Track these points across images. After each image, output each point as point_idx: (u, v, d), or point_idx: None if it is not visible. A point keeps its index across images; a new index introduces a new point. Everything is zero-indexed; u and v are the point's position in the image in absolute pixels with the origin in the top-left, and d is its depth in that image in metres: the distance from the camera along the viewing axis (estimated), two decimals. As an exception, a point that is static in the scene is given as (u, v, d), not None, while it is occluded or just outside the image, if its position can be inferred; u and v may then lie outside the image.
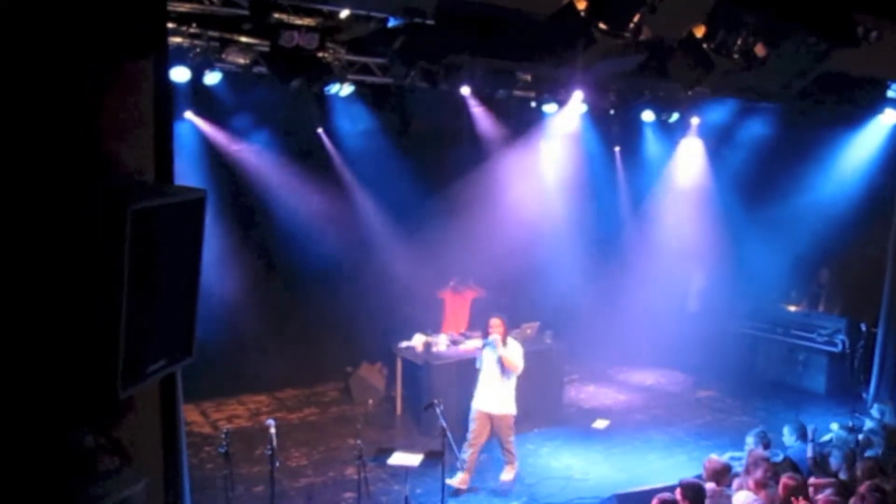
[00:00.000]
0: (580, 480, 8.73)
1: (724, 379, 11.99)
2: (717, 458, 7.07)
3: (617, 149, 13.04)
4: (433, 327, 10.63)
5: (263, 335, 10.68)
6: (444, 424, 7.19)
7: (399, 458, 7.33)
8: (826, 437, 8.50)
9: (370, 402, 10.82)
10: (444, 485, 7.28)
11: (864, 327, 11.51)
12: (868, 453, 7.65)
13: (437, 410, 7.39)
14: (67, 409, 2.97)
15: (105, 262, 2.85)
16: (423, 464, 7.28)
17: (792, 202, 11.81)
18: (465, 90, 9.38)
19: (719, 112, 11.73)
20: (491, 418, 8.36)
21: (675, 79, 5.52)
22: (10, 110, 2.95)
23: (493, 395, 8.38)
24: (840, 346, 11.55)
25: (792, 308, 12.46)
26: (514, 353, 8.41)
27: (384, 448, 7.78)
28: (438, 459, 7.21)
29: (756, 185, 12.22)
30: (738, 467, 7.69)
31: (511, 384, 8.43)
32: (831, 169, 11.75)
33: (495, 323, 8.39)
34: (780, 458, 7.68)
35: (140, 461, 3.89)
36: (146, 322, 3.15)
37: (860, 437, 8.29)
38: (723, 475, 6.73)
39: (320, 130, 10.33)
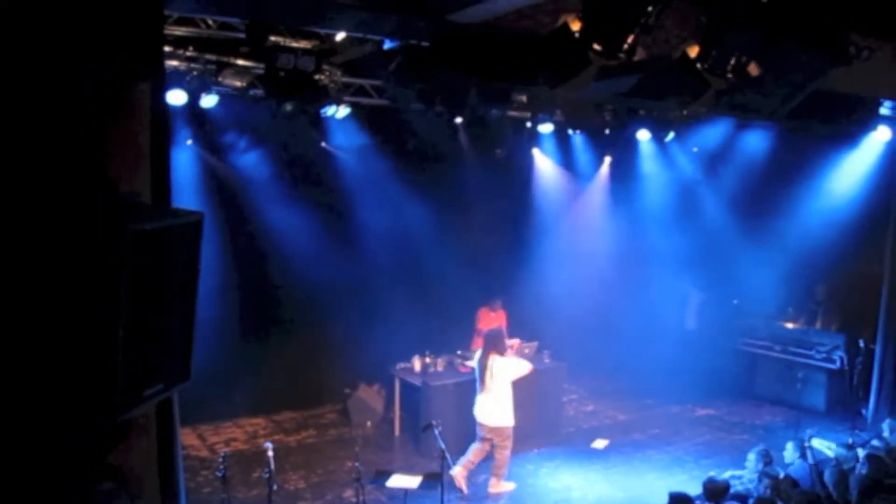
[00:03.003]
0: (579, 501, 8.69)
1: (722, 397, 11.97)
2: (717, 477, 7.04)
3: (608, 159, 13.08)
4: (432, 348, 10.60)
5: (260, 357, 10.64)
6: (443, 446, 7.17)
7: (397, 481, 7.29)
8: (830, 454, 8.46)
9: (368, 423, 10.80)
10: (443, 506, 7.25)
11: (862, 343, 11.50)
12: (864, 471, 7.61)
13: (436, 431, 7.38)
14: (64, 431, 2.96)
15: (103, 285, 2.85)
16: (422, 485, 7.24)
17: (788, 218, 11.86)
18: (459, 120, 9.51)
19: (715, 130, 11.79)
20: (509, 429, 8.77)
21: (669, 98, 5.57)
22: (9, 133, 2.96)
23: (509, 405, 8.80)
24: (839, 363, 11.53)
25: (789, 325, 12.46)
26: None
27: (382, 470, 7.75)
28: (437, 481, 7.17)
29: (752, 201, 12.28)
30: (738, 486, 7.65)
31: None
32: (826, 185, 11.79)
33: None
34: (781, 475, 7.65)
35: (137, 485, 3.86)
36: (144, 345, 3.14)
37: (861, 454, 8.24)
38: (721, 495, 6.71)
39: (323, 144, 10.29)
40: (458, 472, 8.60)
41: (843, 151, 11.49)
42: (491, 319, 11.21)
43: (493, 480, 8.82)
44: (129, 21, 3.52)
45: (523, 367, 8.84)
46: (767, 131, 11.70)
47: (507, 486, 8.88)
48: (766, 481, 6.87)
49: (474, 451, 8.82)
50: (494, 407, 8.68)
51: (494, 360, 8.67)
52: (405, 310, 10.92)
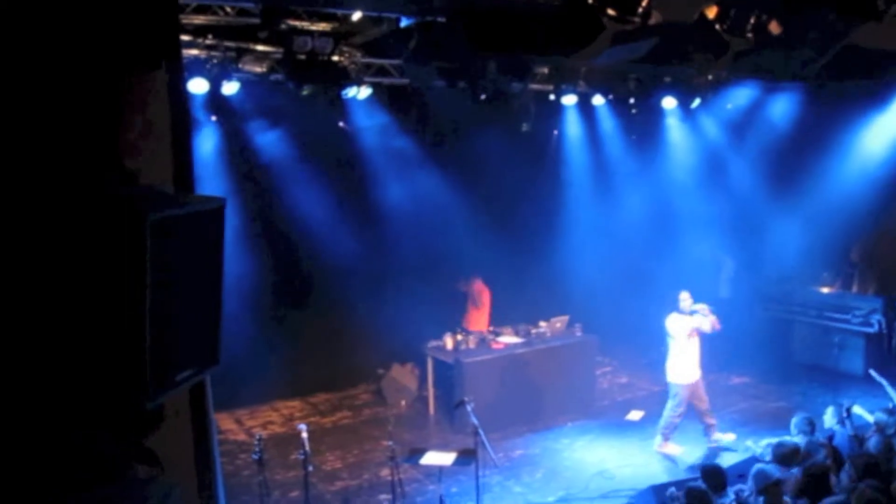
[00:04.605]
0: (616, 473, 8.67)
1: (758, 364, 11.84)
2: (786, 440, 6.95)
3: (634, 137, 12.95)
4: (463, 326, 10.64)
5: (293, 341, 10.74)
6: (476, 422, 7.18)
7: (432, 458, 7.33)
8: (869, 419, 8.33)
9: (402, 402, 10.86)
10: (478, 483, 7.27)
11: (901, 306, 11.31)
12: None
13: (468, 408, 7.40)
14: (97, 418, 3.00)
15: (127, 273, 2.88)
16: (457, 462, 7.27)
17: (819, 182, 11.66)
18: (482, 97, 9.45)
19: (742, 94, 11.58)
20: (691, 386, 9.00)
21: (689, 62, 5.46)
22: (29, 125, 2.99)
23: (691, 360, 8.99)
24: (876, 327, 11.35)
25: (825, 289, 12.28)
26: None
27: (417, 448, 7.79)
28: (471, 458, 7.19)
29: (782, 166, 12.09)
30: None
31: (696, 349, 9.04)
32: (859, 146, 11.57)
33: (686, 296, 9.00)
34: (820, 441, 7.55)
35: (173, 469, 3.92)
36: (172, 331, 3.17)
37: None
38: (793, 458, 6.62)
39: (341, 124, 10.26)
40: (658, 442, 9.16)
41: (874, 110, 11.26)
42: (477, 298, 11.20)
43: (657, 438, 9.17)
44: (141, 8, 3.53)
45: (694, 320, 8.97)
46: (795, 93, 11.47)
47: (671, 448, 9.11)
48: (823, 452, 6.78)
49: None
50: (670, 363, 9.09)
51: (669, 319, 9.05)
52: (434, 288, 10.96)
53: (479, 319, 11.13)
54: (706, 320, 8.93)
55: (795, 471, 6.58)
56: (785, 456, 6.61)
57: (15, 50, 3.02)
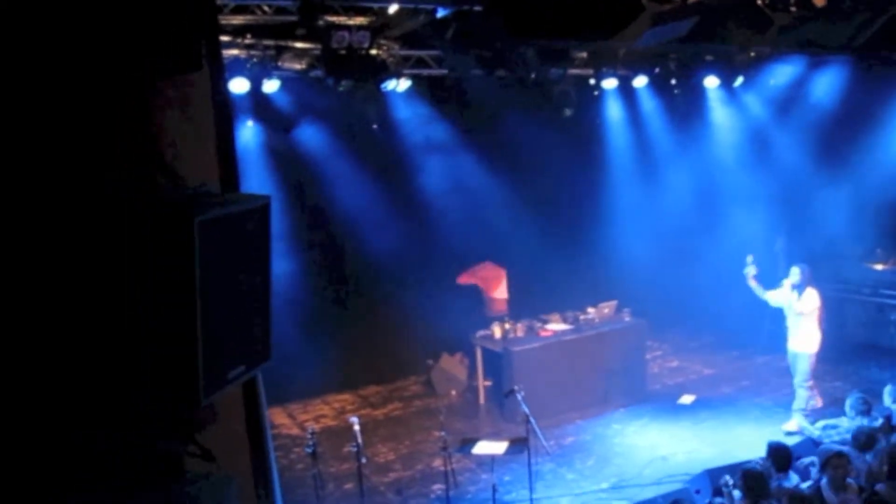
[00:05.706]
0: (669, 458, 8.60)
1: (811, 344, 11.60)
2: (864, 427, 6.84)
3: (676, 118, 12.76)
4: (511, 313, 10.62)
5: (343, 334, 10.82)
6: (527, 410, 7.18)
7: (484, 447, 7.34)
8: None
9: (453, 393, 10.89)
10: (531, 471, 7.27)
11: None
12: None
13: (518, 397, 7.40)
14: (153, 417, 3.07)
15: (177, 275, 2.93)
16: (509, 451, 7.27)
17: (869, 158, 11.37)
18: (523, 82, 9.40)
19: (785, 71, 11.34)
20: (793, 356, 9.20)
21: (731, 40, 5.36)
22: (73, 129, 3.05)
23: (791, 333, 9.21)
24: (934, 303, 11.08)
25: (878, 266, 11.99)
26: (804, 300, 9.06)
27: (468, 438, 7.82)
28: (523, 446, 7.19)
29: (831, 141, 11.80)
30: (835, 436, 7.44)
31: (805, 324, 9.06)
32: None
33: (795, 271, 9.09)
34: (878, 421, 7.41)
35: (229, 464, 3.98)
36: (223, 329, 3.21)
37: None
38: (871, 443, 6.51)
39: (375, 126, 10.29)
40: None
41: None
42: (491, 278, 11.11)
43: None
44: (182, 10, 3.57)
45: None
46: (840, 68, 11.19)
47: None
48: None
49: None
50: None
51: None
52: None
53: (496, 299, 11.08)
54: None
55: (869, 457, 6.47)
56: (864, 443, 6.49)
57: (57, 54, 3.09)
